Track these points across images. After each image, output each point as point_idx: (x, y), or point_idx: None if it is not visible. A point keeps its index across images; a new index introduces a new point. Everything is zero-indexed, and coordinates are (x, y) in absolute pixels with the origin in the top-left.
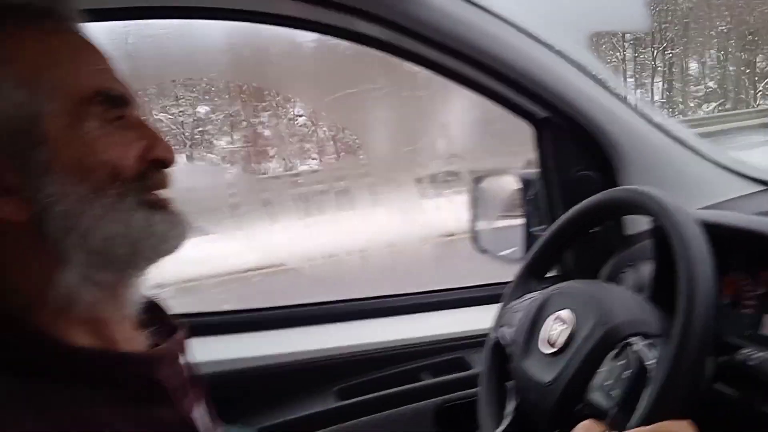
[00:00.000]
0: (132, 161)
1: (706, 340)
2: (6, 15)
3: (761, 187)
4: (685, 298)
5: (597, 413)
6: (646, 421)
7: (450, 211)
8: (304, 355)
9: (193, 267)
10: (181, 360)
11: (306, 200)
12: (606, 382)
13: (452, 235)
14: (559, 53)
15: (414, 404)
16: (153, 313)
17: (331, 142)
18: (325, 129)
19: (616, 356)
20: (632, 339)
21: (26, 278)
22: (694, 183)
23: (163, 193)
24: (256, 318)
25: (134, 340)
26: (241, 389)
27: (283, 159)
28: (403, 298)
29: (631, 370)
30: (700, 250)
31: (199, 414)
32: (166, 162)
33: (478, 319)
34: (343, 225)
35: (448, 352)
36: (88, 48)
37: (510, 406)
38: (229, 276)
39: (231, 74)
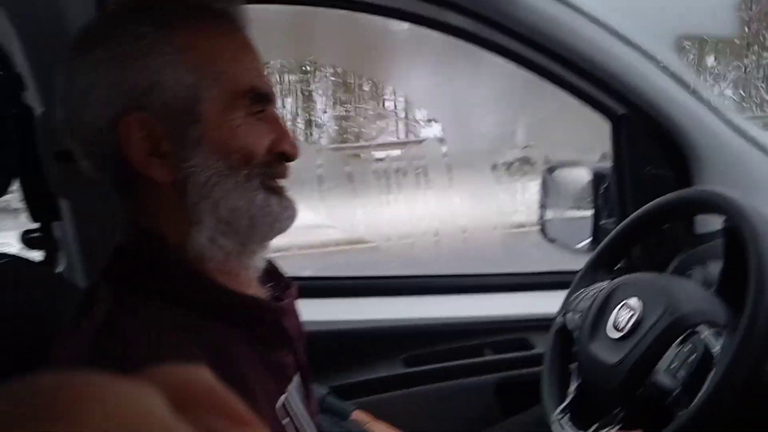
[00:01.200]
0: (263, 150)
1: None
2: (189, 10)
3: None
4: (754, 293)
5: (660, 394)
6: (708, 401)
7: (523, 199)
8: (376, 323)
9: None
10: (296, 314)
11: (386, 179)
12: (672, 364)
13: (523, 226)
14: (642, 52)
15: (476, 377)
16: (270, 271)
17: (415, 125)
18: (409, 112)
19: (683, 342)
20: (699, 327)
21: (169, 229)
22: None
23: (282, 181)
24: (334, 285)
25: (259, 293)
26: (315, 350)
27: (368, 138)
28: (472, 278)
29: (696, 354)
30: None
31: None
32: (290, 156)
33: (544, 303)
34: (420, 205)
35: (511, 332)
36: (248, 48)
37: (572, 386)
38: (311, 249)
39: (329, 58)
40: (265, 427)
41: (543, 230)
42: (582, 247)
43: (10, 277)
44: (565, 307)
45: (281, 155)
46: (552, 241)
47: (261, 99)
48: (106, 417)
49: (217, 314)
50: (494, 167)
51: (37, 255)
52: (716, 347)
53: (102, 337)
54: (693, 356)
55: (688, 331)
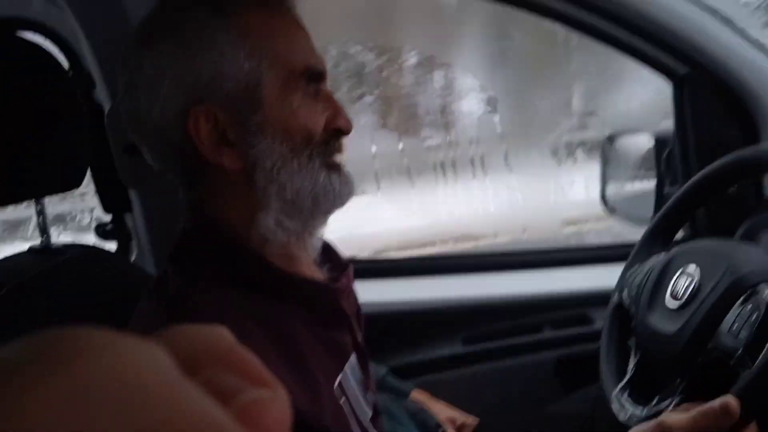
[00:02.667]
0: (321, 129)
1: None
2: None
3: None
4: None
5: (723, 357)
6: None
7: (584, 179)
8: (434, 302)
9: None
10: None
11: (442, 165)
12: (734, 325)
13: (580, 222)
14: (702, 5)
15: (535, 354)
16: (327, 252)
17: (469, 104)
18: (463, 89)
19: (744, 302)
20: (760, 286)
21: (236, 215)
22: None
23: (340, 156)
24: (391, 266)
25: (317, 275)
26: (374, 331)
27: (421, 121)
28: (530, 254)
29: (758, 313)
30: None
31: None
32: (346, 131)
33: (603, 276)
34: (475, 195)
35: (571, 307)
36: (301, 28)
37: (631, 363)
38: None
39: (370, 34)
40: (283, 388)
41: (604, 202)
42: (644, 216)
43: (85, 267)
44: (621, 284)
45: (337, 131)
46: (613, 212)
47: (316, 77)
48: (102, 370)
49: (276, 296)
50: (554, 145)
51: (111, 246)
52: None
53: (172, 317)
54: (754, 315)
55: (749, 291)
